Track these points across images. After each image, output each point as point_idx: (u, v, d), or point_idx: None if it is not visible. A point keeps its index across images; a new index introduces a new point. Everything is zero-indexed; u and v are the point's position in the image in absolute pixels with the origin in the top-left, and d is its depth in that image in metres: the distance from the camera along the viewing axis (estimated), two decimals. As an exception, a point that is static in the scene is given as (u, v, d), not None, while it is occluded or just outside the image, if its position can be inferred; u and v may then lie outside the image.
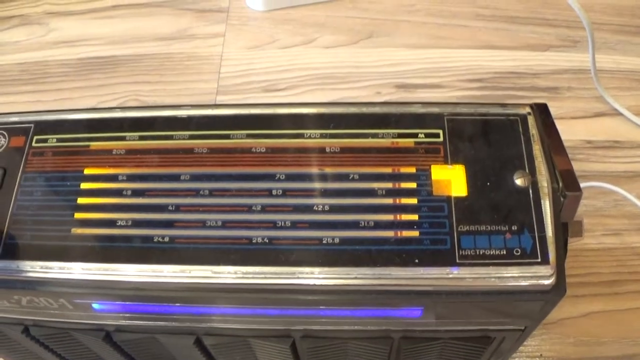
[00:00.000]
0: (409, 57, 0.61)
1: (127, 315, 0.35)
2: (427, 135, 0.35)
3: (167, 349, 0.39)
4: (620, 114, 0.58)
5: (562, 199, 0.33)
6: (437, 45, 0.62)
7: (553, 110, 0.55)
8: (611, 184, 0.52)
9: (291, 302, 0.33)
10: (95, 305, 0.34)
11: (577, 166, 0.53)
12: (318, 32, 0.63)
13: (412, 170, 0.34)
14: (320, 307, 0.33)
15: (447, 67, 0.60)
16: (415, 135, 0.35)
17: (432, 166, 0.34)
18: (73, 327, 0.36)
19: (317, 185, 0.33)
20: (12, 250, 0.32)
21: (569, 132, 0.57)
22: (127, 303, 0.34)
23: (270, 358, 0.39)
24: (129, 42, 0.62)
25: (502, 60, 0.61)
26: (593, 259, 0.51)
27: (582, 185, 0.50)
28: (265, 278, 0.31)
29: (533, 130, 0.35)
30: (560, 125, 0.55)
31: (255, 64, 0.61)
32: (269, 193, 0.33)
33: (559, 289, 0.32)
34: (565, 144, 0.53)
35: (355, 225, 0.32)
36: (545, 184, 0.33)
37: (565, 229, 0.34)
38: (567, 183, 0.33)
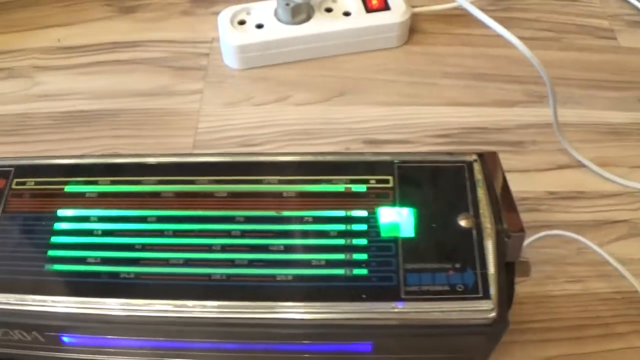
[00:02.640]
0: (379, 114, 0.65)
1: (94, 349, 0.38)
2: (377, 182, 0.39)
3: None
4: (584, 166, 0.61)
5: (506, 240, 0.37)
6: (406, 103, 0.66)
7: (518, 164, 0.61)
8: (574, 232, 0.55)
9: (247, 335, 0.36)
10: (64, 339, 0.37)
11: (540, 217, 0.58)
12: (292, 90, 0.67)
13: (364, 213, 0.38)
14: (276, 340, 0.37)
15: (415, 124, 0.64)
16: (367, 182, 0.39)
17: (381, 210, 0.38)
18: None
19: (274, 227, 0.37)
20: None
21: (533, 184, 0.60)
22: (94, 337, 0.37)
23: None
24: (110, 97, 0.66)
25: (469, 116, 0.65)
26: (557, 305, 0.53)
27: (544, 233, 0.55)
28: (223, 312, 0.35)
29: (479, 176, 0.39)
30: (524, 178, 0.60)
31: (231, 120, 0.65)
32: (228, 234, 0.37)
33: (501, 323, 0.35)
34: (530, 195, 0.59)
35: (307, 264, 0.36)
36: (489, 226, 0.37)
37: (512, 268, 0.38)
38: (511, 224, 0.37)
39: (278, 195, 0.39)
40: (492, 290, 0.35)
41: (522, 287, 0.53)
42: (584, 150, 0.62)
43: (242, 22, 0.68)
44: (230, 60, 0.68)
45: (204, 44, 0.71)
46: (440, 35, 0.73)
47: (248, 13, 0.69)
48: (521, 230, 0.38)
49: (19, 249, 0.37)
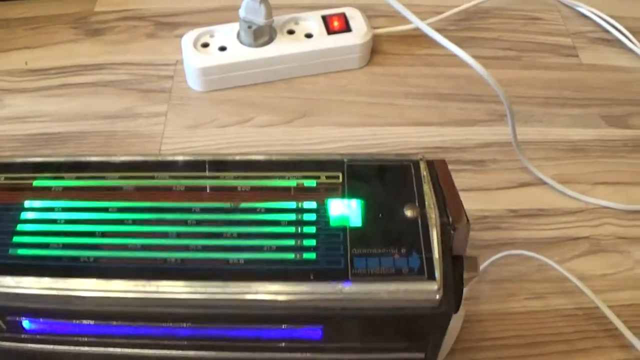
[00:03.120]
0: (340, 134, 0.69)
1: (54, 338, 0.43)
2: (327, 177, 0.44)
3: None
4: (545, 183, 0.65)
5: (452, 232, 0.41)
6: (368, 123, 0.70)
7: (479, 182, 0.65)
8: (535, 250, 0.58)
9: (198, 317, 0.40)
10: (25, 324, 0.41)
11: (502, 234, 0.60)
12: (254, 112, 0.71)
13: (313, 205, 0.42)
14: (227, 324, 0.41)
15: (375, 144, 0.68)
16: (317, 177, 0.44)
17: (330, 202, 0.43)
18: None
19: (228, 216, 0.42)
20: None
21: (494, 202, 0.64)
22: (54, 322, 0.41)
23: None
24: (76, 119, 0.70)
25: (429, 136, 0.69)
26: (518, 322, 0.56)
27: (506, 253, 0.57)
28: (175, 293, 0.39)
29: (424, 172, 0.43)
30: (485, 196, 0.64)
31: (194, 142, 0.69)
32: (184, 223, 0.41)
33: (447, 305, 0.39)
34: (491, 213, 0.63)
35: (259, 249, 0.40)
36: (434, 216, 0.41)
37: (460, 263, 0.41)
38: (455, 217, 0.42)
39: (233, 189, 0.43)
40: (437, 273, 0.39)
41: (483, 305, 0.56)
42: (544, 168, 0.66)
43: (205, 45, 0.73)
44: (194, 82, 0.73)
45: (168, 67, 0.76)
46: (401, 56, 0.78)
47: (211, 35, 0.74)
48: (466, 221, 0.41)
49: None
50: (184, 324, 0.41)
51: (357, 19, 0.75)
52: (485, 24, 0.82)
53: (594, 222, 0.63)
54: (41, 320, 0.42)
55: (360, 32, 0.74)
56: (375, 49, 0.77)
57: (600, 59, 0.79)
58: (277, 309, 0.39)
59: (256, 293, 0.39)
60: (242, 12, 0.71)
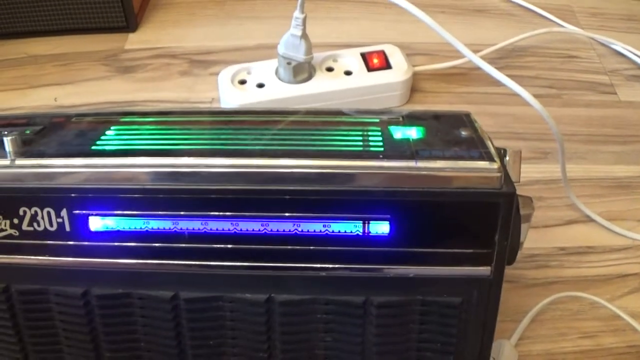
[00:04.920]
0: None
1: (117, 245, 0.40)
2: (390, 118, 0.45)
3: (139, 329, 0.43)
4: (592, 220, 0.63)
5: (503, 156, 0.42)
6: None
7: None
8: (584, 288, 0.57)
9: (272, 193, 0.38)
10: (92, 222, 0.39)
11: (551, 273, 0.59)
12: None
13: (377, 131, 0.42)
14: (297, 211, 0.39)
15: None
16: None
17: (393, 127, 0.42)
18: (56, 277, 0.41)
19: (304, 130, 0.43)
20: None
21: (542, 240, 0.62)
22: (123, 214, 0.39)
23: (244, 337, 0.43)
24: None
25: None
26: None
27: (556, 296, 0.56)
28: (252, 168, 0.38)
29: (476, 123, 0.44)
30: (534, 234, 0.62)
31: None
32: (263, 134, 0.42)
33: (508, 186, 0.39)
34: (540, 252, 0.61)
35: (327, 144, 0.41)
36: (487, 137, 0.42)
37: (514, 201, 0.40)
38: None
39: (306, 122, 0.45)
40: (496, 159, 0.39)
41: (536, 345, 0.54)
42: (591, 205, 0.64)
43: (242, 82, 0.71)
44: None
45: (203, 104, 0.74)
46: (441, 94, 0.76)
47: (249, 72, 0.72)
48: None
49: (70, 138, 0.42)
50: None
51: (396, 56, 0.73)
52: (523, 62, 0.81)
53: (642, 259, 0.61)
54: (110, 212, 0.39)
55: (400, 69, 0.72)
56: (414, 87, 0.75)
57: (637, 95, 0.78)
58: (347, 179, 0.38)
59: (329, 168, 0.38)
60: (281, 49, 0.69)
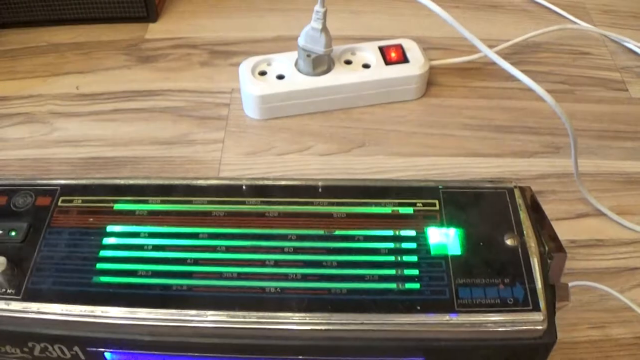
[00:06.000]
0: (399, 164, 0.67)
1: None
2: (424, 205, 0.41)
3: None
4: (603, 214, 0.63)
5: (549, 261, 0.39)
6: (426, 154, 0.68)
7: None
8: (594, 280, 0.57)
9: (300, 349, 0.37)
10: (107, 355, 0.38)
11: None
12: (313, 141, 0.69)
13: (412, 233, 0.39)
14: (329, 356, 0.38)
15: (435, 174, 0.66)
16: (414, 205, 0.41)
17: (429, 230, 0.39)
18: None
19: (325, 244, 0.39)
20: (33, 294, 0.36)
21: None
22: (140, 353, 0.38)
23: None
24: (130, 144, 0.68)
25: (487, 167, 0.67)
26: (580, 352, 0.54)
27: (570, 284, 0.55)
28: (277, 324, 0.35)
29: (520, 200, 0.41)
30: (545, 227, 0.61)
31: (253, 169, 0.66)
32: (281, 250, 0.38)
33: (550, 335, 0.37)
34: None
35: (360, 278, 0.37)
36: (533, 244, 0.39)
37: (553, 291, 0.39)
38: (551, 246, 0.39)
39: (328, 216, 0.40)
40: (542, 303, 0.37)
41: None
42: (602, 199, 0.64)
43: (262, 73, 0.71)
44: (251, 110, 0.71)
45: (224, 94, 0.74)
46: (457, 88, 0.76)
47: (269, 64, 0.72)
48: (562, 251, 0.39)
49: (65, 262, 0.38)
50: (284, 356, 0.37)
51: (414, 51, 0.73)
52: (537, 58, 0.81)
53: (652, 253, 0.61)
54: (126, 351, 0.38)
55: (418, 63, 0.72)
56: (430, 81, 0.75)
57: (650, 93, 0.78)
58: (382, 340, 0.37)
59: (362, 324, 0.36)
60: (301, 41, 0.69)
